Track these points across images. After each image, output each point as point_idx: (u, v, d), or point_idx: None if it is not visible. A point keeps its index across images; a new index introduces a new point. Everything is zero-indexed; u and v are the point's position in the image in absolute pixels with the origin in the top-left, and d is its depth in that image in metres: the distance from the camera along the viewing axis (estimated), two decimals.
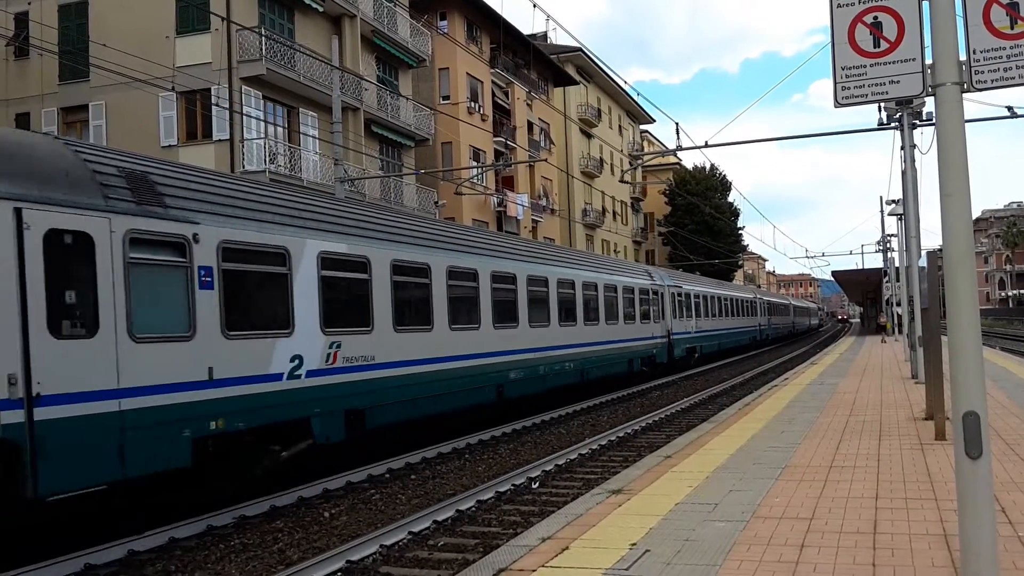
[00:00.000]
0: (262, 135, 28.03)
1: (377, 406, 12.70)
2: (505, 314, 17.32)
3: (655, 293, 29.29)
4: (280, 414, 10.71)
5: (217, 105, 25.97)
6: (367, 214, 14.09)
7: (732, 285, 59.00)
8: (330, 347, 11.70)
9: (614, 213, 64.54)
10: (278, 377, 10.68)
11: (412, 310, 14.03)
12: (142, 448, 8.72)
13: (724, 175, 75.22)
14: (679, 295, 32.57)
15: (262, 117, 28.10)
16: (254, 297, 10.79)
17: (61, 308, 8.05)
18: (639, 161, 59.97)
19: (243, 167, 26.75)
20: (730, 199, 75.32)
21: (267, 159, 27.34)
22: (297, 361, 11.02)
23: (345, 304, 12.28)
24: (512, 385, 17.39)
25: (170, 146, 27.32)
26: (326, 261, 11.75)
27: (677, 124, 20.93)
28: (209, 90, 26.50)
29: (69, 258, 8.22)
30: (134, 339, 8.68)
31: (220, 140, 27.31)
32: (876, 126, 19.55)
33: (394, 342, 13.21)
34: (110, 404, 8.38)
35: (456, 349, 15.20)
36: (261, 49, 27.15)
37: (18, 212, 7.69)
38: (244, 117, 26.70)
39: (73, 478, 8.03)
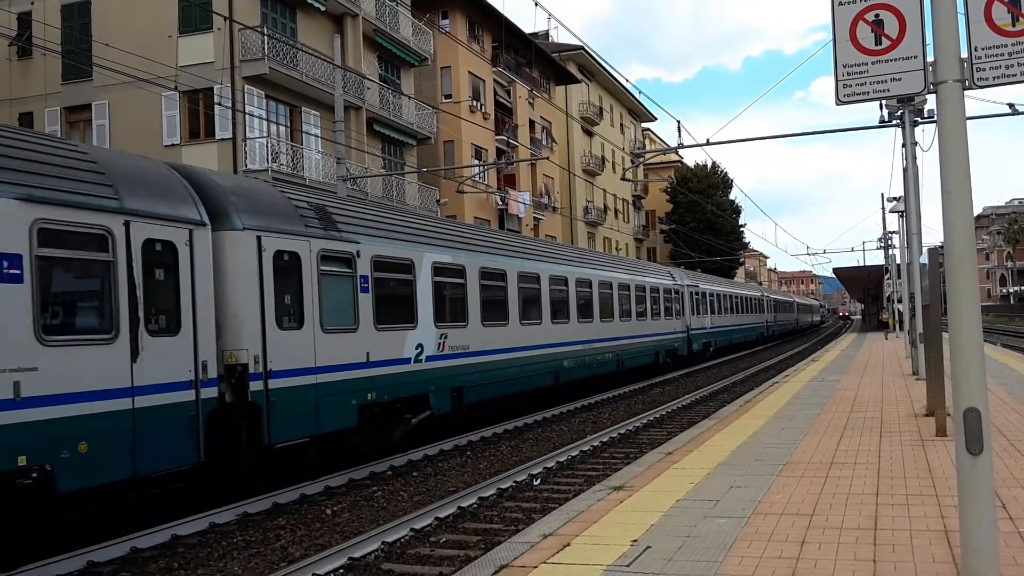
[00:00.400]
0: (264, 134, 28.05)
1: (471, 386, 15.73)
2: (559, 312, 20.34)
3: (676, 292, 32.19)
4: (410, 389, 13.78)
5: (220, 104, 25.97)
6: (461, 229, 17.84)
7: (742, 284, 61.60)
8: (440, 338, 14.78)
9: (616, 211, 64.53)
10: (408, 361, 13.79)
11: (493, 308, 16.93)
12: (328, 411, 11.64)
13: (725, 173, 75.25)
14: (696, 294, 35.41)
15: (264, 116, 28.12)
16: (392, 298, 13.64)
17: (283, 308, 11.05)
18: (640, 159, 59.90)
19: (245, 166, 26.78)
20: (731, 197, 75.31)
21: (269, 158, 27.37)
22: (420, 348, 14.11)
23: (449, 303, 15.36)
24: (565, 372, 20.35)
25: (173, 145, 27.34)
26: (437, 269, 14.77)
27: (679, 122, 20.95)
28: (212, 89, 26.50)
29: (287, 272, 11.17)
30: (324, 331, 11.67)
31: (223, 139, 27.32)
32: (877, 124, 19.56)
33: (482, 334, 16.22)
34: (310, 378, 11.34)
35: (525, 340, 18.12)
36: (263, 48, 27.16)
37: (259, 239, 10.71)
38: (247, 116, 26.71)
39: (291, 431, 10.95)
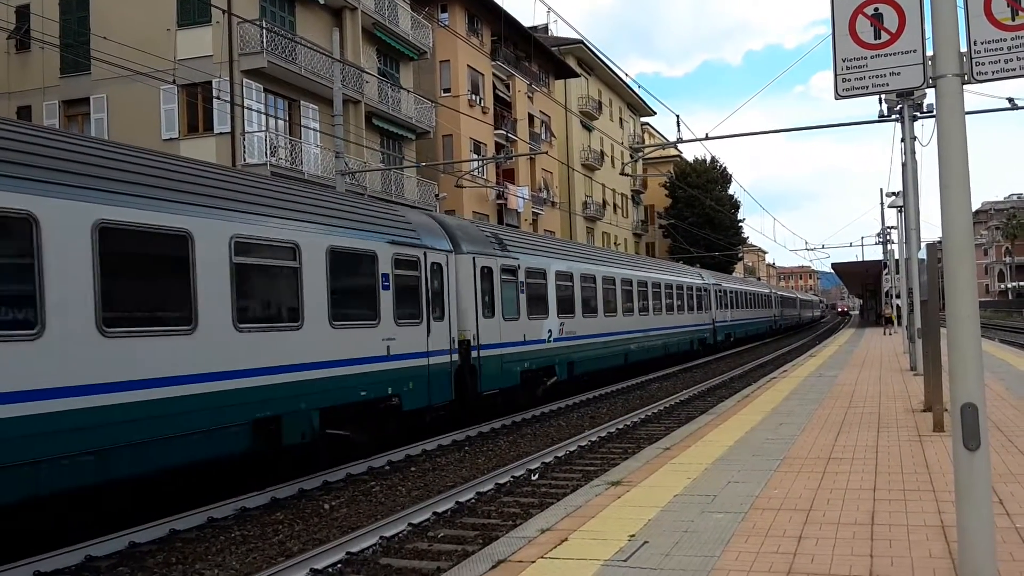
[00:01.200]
0: (263, 128, 28.01)
1: (578, 360, 21.48)
2: (628, 307, 26.26)
3: (705, 290, 38.08)
4: (545, 362, 19.44)
5: (218, 98, 25.93)
6: (569, 245, 26.00)
7: (755, 282, 66.14)
8: (560, 325, 20.37)
9: (615, 206, 64.51)
10: (544, 341, 19.41)
11: (588, 303, 22.66)
12: (506, 373, 17.28)
13: (724, 167, 75.18)
14: (720, 292, 41.50)
15: (263, 110, 28.07)
16: (536, 297, 19.18)
17: (485, 303, 16.56)
18: (640, 154, 59.87)
19: (244, 160, 26.75)
20: (730, 191, 75.23)
21: (268, 152, 27.34)
22: (550, 332, 19.74)
23: (563, 300, 20.80)
24: (632, 354, 26.34)
25: (171, 139, 27.30)
26: (558, 275, 20.54)
27: (678, 116, 20.98)
28: (210, 83, 26.46)
29: (486, 279, 16.75)
30: (503, 319, 17.22)
31: (221, 133, 27.32)
32: (877, 118, 19.54)
33: (583, 323, 21.95)
34: (498, 351, 16.90)
35: (608, 328, 24.04)
36: (262, 42, 27.12)
37: (473, 259, 16.23)
38: (245, 110, 26.66)
39: (489, 385, 16.44)
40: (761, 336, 55.71)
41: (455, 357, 15.15)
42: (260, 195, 11.11)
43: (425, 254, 14.31)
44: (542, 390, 19.21)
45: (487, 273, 16.71)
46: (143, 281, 9.37)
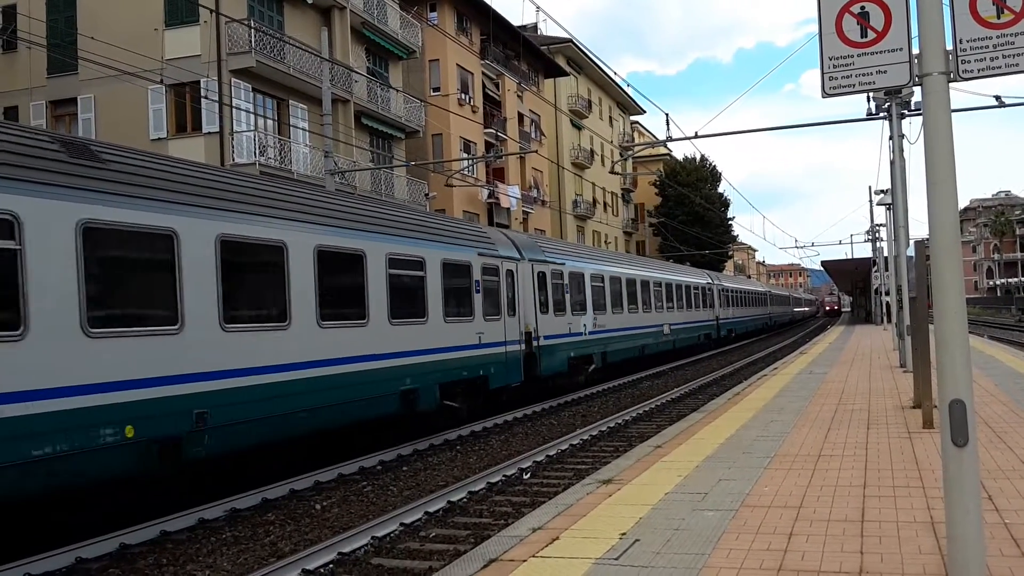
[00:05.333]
0: (252, 127, 27.92)
1: (610, 351, 24.93)
2: (646, 305, 29.80)
3: (709, 290, 41.76)
4: (585, 351, 22.64)
5: (206, 98, 25.83)
6: (598, 252, 30.78)
7: (752, 282, 68.70)
8: (594, 320, 23.56)
9: (605, 204, 64.56)
10: (581, 334, 22.48)
11: (616, 301, 26.08)
12: (559, 360, 20.64)
13: (714, 166, 75.34)
14: (723, 291, 44.89)
15: (252, 109, 27.97)
16: (576, 295, 22.33)
17: (541, 299, 19.79)
18: (629, 152, 59.94)
19: (233, 159, 26.65)
20: (720, 190, 75.42)
21: (257, 151, 27.24)
22: (585, 326, 22.74)
23: (596, 298, 24.02)
24: (649, 347, 29.46)
25: (159, 139, 27.18)
26: (591, 276, 23.87)
27: (667, 115, 20.91)
28: (198, 83, 26.36)
29: (543, 282, 20.05)
30: (554, 315, 20.44)
31: (210, 133, 27.21)
32: (865, 116, 19.60)
33: (612, 318, 25.36)
34: (552, 341, 20.13)
35: (631, 323, 27.45)
36: (251, 41, 27.02)
37: (532, 265, 19.43)
38: (233, 110, 26.57)
39: (547, 369, 19.69)
40: (759, 331, 58.93)
41: (523, 346, 18.45)
42: (410, 223, 15.20)
43: (502, 263, 17.77)
44: (584, 376, 22.55)
45: (542, 277, 19.98)
46: (338, 286, 12.46)
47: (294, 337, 11.13)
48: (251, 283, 10.99)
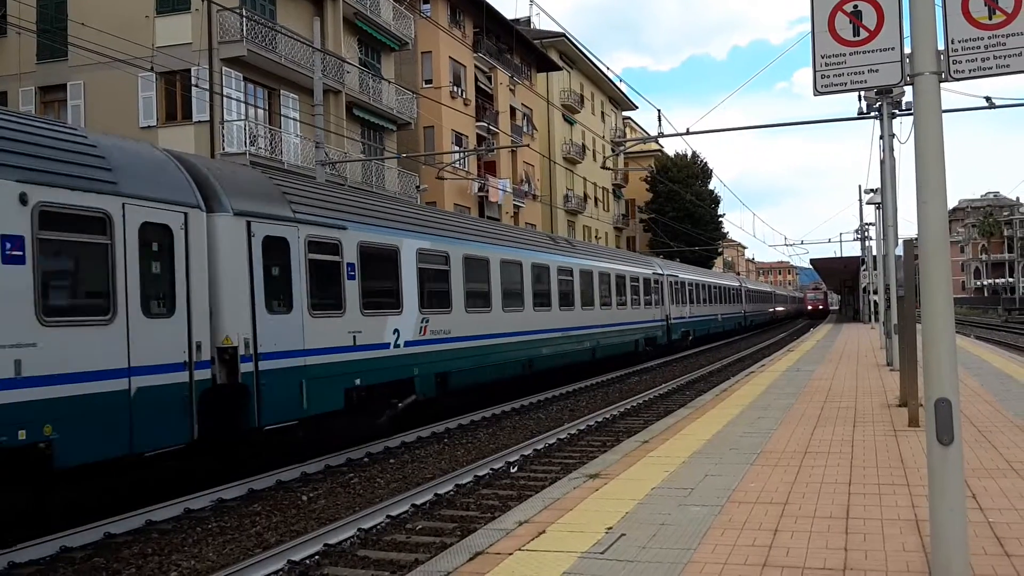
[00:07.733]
0: (242, 117, 27.79)
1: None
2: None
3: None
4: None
5: (197, 86, 25.71)
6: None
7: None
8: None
9: (596, 199, 64.60)
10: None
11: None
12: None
13: (705, 162, 75.46)
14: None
15: (243, 99, 27.85)
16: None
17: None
18: (621, 148, 59.95)
19: (223, 149, 26.53)
20: (711, 187, 75.56)
21: (247, 141, 27.13)
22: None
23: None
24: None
25: (149, 127, 27.05)
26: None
27: (659, 111, 20.97)
28: (189, 71, 26.23)
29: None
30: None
31: (200, 122, 27.08)
32: (856, 115, 19.65)
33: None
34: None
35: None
36: (242, 30, 26.88)
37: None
38: (224, 99, 26.45)
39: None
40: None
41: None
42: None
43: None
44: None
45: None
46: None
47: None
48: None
